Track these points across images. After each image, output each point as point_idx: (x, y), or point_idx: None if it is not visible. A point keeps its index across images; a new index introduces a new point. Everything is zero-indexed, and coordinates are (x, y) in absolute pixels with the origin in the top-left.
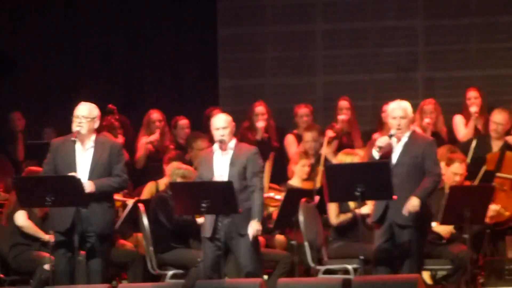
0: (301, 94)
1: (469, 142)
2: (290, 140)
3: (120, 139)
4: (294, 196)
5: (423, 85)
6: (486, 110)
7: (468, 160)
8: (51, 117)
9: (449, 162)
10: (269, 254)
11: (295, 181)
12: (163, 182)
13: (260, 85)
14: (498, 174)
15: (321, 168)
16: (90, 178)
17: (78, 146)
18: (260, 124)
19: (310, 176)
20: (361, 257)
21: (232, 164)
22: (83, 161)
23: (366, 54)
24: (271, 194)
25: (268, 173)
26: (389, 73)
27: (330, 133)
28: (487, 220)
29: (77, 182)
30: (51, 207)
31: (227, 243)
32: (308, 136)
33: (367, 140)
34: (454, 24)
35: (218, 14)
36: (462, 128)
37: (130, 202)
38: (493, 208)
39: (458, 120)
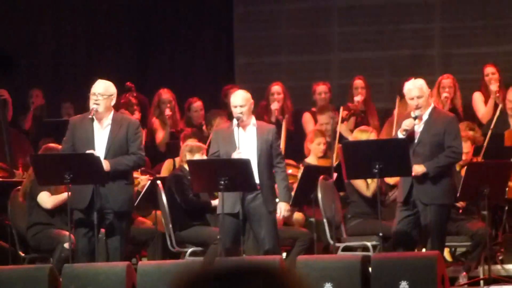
0: (317, 71)
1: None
2: (307, 118)
3: (137, 116)
4: (311, 173)
5: (439, 61)
6: (503, 86)
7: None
8: (69, 94)
9: None
10: (288, 231)
11: (311, 159)
12: (179, 160)
13: (276, 62)
14: None
15: (337, 145)
16: (106, 156)
17: (95, 124)
18: (274, 106)
19: (327, 154)
20: (380, 234)
21: (259, 140)
22: (101, 139)
23: (383, 31)
24: (289, 171)
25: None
26: (405, 50)
27: (345, 111)
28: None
29: (95, 160)
30: (69, 185)
31: (247, 220)
32: (323, 118)
33: (382, 117)
34: (470, 1)
35: None
36: (481, 106)
37: (143, 179)
38: None
39: (477, 98)
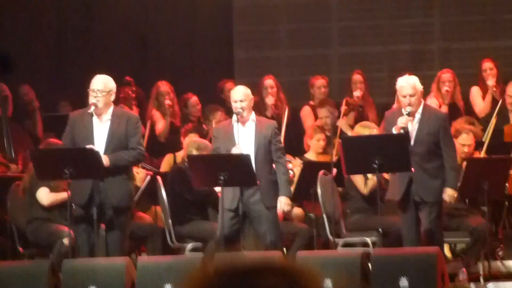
0: (316, 66)
1: (488, 116)
2: (306, 112)
3: (135, 111)
4: (311, 169)
5: (439, 56)
6: (502, 81)
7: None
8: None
9: (456, 134)
10: (287, 226)
11: (310, 155)
12: (180, 155)
13: (275, 57)
14: None
15: (337, 140)
16: (106, 151)
17: (95, 118)
18: (270, 100)
19: (327, 150)
20: (380, 230)
21: (257, 136)
22: (100, 134)
23: (382, 26)
24: (289, 166)
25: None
26: (405, 45)
27: (345, 107)
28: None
29: (95, 155)
30: (68, 180)
31: (247, 215)
32: (322, 112)
33: (381, 112)
34: None
35: None
36: (479, 100)
37: (141, 172)
38: None
39: (475, 92)
